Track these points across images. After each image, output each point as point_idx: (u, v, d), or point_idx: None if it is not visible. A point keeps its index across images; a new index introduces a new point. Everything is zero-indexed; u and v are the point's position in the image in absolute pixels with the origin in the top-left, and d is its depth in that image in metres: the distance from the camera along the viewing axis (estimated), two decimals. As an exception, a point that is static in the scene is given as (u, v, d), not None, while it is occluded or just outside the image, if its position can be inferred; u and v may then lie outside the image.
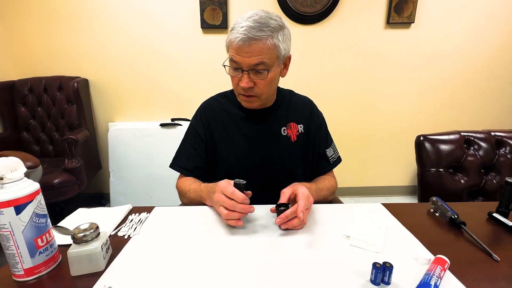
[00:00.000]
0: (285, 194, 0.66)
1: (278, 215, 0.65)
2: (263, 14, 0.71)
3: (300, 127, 0.87)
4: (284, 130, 0.85)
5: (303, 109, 0.89)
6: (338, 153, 0.94)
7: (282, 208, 0.64)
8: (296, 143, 0.86)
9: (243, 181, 0.62)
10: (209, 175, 0.88)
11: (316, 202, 0.73)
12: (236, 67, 0.73)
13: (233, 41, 0.70)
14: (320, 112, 0.93)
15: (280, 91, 0.89)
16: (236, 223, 0.63)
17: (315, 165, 0.90)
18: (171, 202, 1.88)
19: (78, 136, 1.70)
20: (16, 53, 1.95)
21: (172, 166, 0.88)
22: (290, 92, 0.93)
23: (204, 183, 0.79)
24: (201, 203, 0.77)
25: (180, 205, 0.86)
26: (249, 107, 0.81)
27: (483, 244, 0.57)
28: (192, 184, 0.81)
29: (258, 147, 0.84)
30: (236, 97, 0.88)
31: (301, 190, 0.64)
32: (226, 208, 0.62)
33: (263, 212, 0.71)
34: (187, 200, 0.81)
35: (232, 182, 0.64)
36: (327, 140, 0.92)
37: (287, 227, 0.63)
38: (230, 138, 0.85)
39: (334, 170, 0.93)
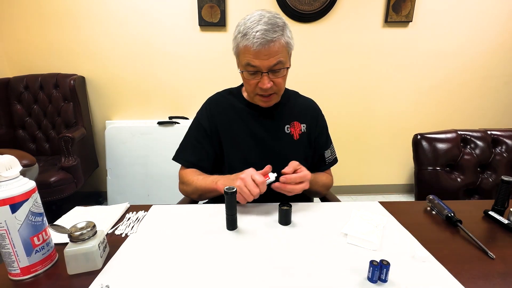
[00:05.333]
0: (289, 167, 0.70)
1: (280, 215, 0.65)
2: (269, 15, 0.72)
3: (303, 126, 0.88)
4: (287, 128, 0.87)
5: (307, 110, 0.91)
6: (335, 155, 0.96)
7: (285, 207, 0.65)
8: (298, 142, 0.87)
9: (233, 188, 0.62)
10: (214, 169, 0.88)
11: (308, 192, 0.80)
12: (254, 70, 0.74)
13: (250, 46, 0.70)
14: (323, 115, 0.95)
15: (286, 90, 0.91)
16: (244, 199, 0.67)
17: (313, 164, 0.92)
18: (168, 201, 1.88)
19: (75, 134, 1.69)
20: (11, 50, 1.93)
21: (176, 159, 0.89)
22: (296, 93, 0.95)
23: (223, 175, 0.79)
24: (206, 191, 0.78)
25: (178, 203, 0.86)
26: (267, 106, 0.83)
27: (479, 242, 0.58)
28: (201, 174, 0.83)
29: (263, 143, 0.85)
30: (242, 93, 0.89)
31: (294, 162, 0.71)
32: (245, 185, 0.66)
33: (261, 210, 0.72)
34: (191, 188, 0.82)
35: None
36: (327, 143, 0.94)
37: (280, 188, 0.68)
38: (235, 133, 0.86)
39: (332, 168, 0.95)
